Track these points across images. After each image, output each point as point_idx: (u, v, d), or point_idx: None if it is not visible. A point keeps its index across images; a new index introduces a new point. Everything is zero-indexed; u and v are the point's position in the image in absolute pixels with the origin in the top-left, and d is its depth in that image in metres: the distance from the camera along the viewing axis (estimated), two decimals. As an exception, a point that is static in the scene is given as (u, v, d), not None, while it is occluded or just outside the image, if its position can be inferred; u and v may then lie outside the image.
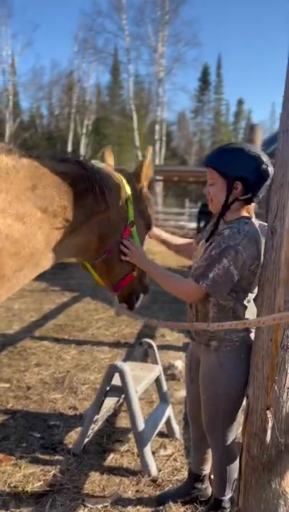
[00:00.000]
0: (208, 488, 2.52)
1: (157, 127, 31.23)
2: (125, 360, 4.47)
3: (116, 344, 5.03)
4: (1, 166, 1.52)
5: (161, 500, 2.47)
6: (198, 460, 2.47)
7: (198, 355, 2.23)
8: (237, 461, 2.18)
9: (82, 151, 36.89)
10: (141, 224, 2.14)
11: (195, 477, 2.49)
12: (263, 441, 1.81)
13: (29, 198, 1.56)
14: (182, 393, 3.88)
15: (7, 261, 1.51)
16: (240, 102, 53.86)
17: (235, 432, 2.17)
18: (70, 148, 35.08)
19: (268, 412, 1.80)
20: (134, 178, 2.11)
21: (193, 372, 2.30)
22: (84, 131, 37.50)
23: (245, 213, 2.00)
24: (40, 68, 78.52)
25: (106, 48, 37.96)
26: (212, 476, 2.53)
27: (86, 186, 1.77)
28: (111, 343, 5.02)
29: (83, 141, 37.25)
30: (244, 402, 2.01)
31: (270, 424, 1.78)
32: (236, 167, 1.87)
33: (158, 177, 19.42)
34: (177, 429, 3.19)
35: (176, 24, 38.52)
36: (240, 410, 2.11)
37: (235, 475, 2.20)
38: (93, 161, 1.95)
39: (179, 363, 4.39)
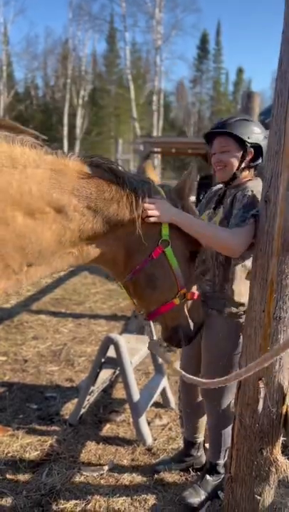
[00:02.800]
0: (202, 456, 2.56)
1: (155, 98, 30.58)
2: (122, 332, 4.49)
3: (113, 317, 5.05)
4: (21, 158, 1.50)
5: (156, 468, 2.52)
6: (191, 428, 2.51)
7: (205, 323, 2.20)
8: (230, 427, 2.23)
9: (78, 122, 36.24)
10: (180, 246, 1.82)
11: (189, 444, 2.54)
12: (255, 410, 1.82)
13: (43, 195, 1.53)
14: (178, 365, 3.91)
15: (13, 253, 1.50)
16: (240, 71, 52.60)
17: (231, 398, 2.21)
18: (66, 120, 34.43)
19: (260, 382, 1.80)
20: (175, 194, 1.86)
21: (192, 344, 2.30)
22: (80, 102, 36.75)
23: (249, 177, 2.12)
24: (34, 37, 76.46)
25: (101, 14, 37.07)
26: (206, 445, 2.58)
27: (112, 195, 1.67)
28: (108, 316, 5.04)
29: (79, 112, 36.55)
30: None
31: (262, 395, 1.79)
32: (251, 135, 2.00)
33: (156, 149, 19.13)
34: (172, 399, 3.23)
35: (173, -12, 37.34)
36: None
37: (229, 440, 2.24)
38: (132, 172, 1.81)
39: (176, 335, 4.41)
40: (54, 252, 1.61)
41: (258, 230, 1.77)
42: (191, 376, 1.84)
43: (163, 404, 3.21)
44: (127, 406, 3.15)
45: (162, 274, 1.80)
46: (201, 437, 2.53)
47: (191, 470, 2.53)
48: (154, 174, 2.02)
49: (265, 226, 1.71)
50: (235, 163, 2.03)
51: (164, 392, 3.17)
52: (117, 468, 2.53)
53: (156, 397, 3.05)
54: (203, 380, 1.87)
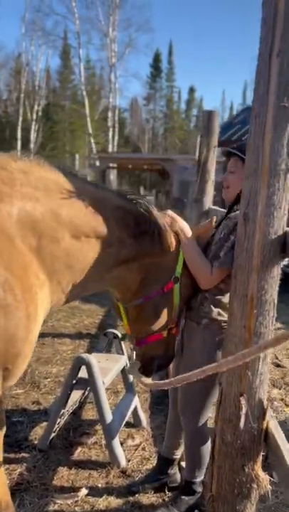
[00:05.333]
0: (176, 474, 2.53)
1: (110, 114, 30.78)
2: (89, 351, 4.40)
3: (77, 335, 4.94)
4: (66, 186, 1.67)
5: (132, 490, 2.46)
6: (171, 444, 2.48)
7: (186, 335, 2.24)
8: (208, 445, 2.23)
9: (32, 137, 35.81)
10: (188, 286, 2.07)
11: (165, 461, 2.49)
12: (237, 427, 1.82)
13: (88, 221, 1.70)
14: (146, 381, 3.87)
15: (63, 270, 1.66)
16: (191, 90, 54.18)
17: (208, 415, 2.20)
18: (19, 134, 33.93)
19: (241, 398, 1.80)
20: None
21: (179, 355, 2.29)
22: (34, 116, 36.36)
23: None
24: (-14, 50, 75.12)
25: (55, 30, 36.98)
26: (182, 463, 2.55)
27: (147, 228, 1.88)
28: (72, 335, 4.93)
29: (33, 126, 36.14)
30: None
31: (243, 411, 1.79)
32: None
33: (112, 164, 19.20)
34: (144, 418, 3.19)
35: (126, 8, 38.09)
36: (214, 395, 2.13)
37: (207, 458, 2.24)
38: (156, 210, 1.99)
39: (143, 352, 4.37)
40: (93, 274, 1.77)
41: (237, 246, 1.79)
42: (164, 381, 1.86)
43: (134, 423, 3.15)
44: (97, 427, 3.07)
45: (165, 307, 2.00)
46: (178, 455, 2.50)
47: (166, 490, 2.48)
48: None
49: (244, 243, 1.73)
50: (238, 184, 2.01)
51: (135, 411, 3.12)
52: (91, 493, 2.45)
53: (128, 417, 2.99)
54: (177, 377, 1.79)
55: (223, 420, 1.88)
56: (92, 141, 29.81)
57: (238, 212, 1.97)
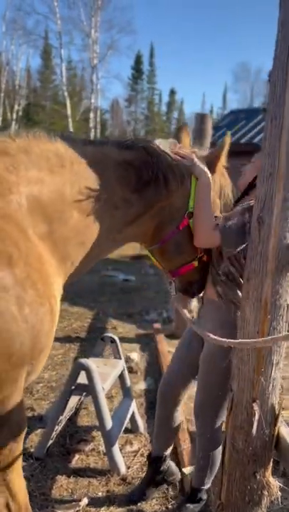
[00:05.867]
0: (171, 467, 2.49)
1: (92, 115, 30.61)
2: (80, 355, 4.33)
3: (67, 339, 4.85)
4: (66, 155, 1.57)
5: (131, 499, 2.41)
6: (162, 442, 2.42)
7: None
8: (220, 450, 2.16)
9: (12, 137, 35.23)
10: None
11: (157, 460, 2.44)
12: (249, 433, 1.79)
13: (92, 191, 1.61)
14: (141, 386, 3.84)
15: (76, 249, 1.61)
16: (172, 92, 54.39)
17: (222, 420, 2.14)
18: (-1, 135, 33.34)
19: (254, 404, 1.78)
20: (206, 165, 1.96)
21: (190, 349, 2.25)
22: (14, 116, 35.88)
23: None
24: None
25: (36, 30, 36.53)
26: (184, 470, 2.51)
27: (150, 177, 1.77)
28: (62, 338, 4.84)
29: (13, 127, 35.66)
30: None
31: (256, 417, 1.77)
32: None
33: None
34: (141, 423, 3.14)
35: (109, 9, 37.97)
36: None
37: (217, 465, 2.18)
38: (162, 141, 1.90)
39: (135, 355, 4.33)
40: (105, 242, 1.72)
41: (250, 249, 1.77)
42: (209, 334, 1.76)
43: (132, 429, 3.10)
44: (94, 434, 3.01)
45: (187, 242, 1.96)
46: (168, 451, 2.45)
47: (169, 498, 2.44)
48: (188, 138, 2.12)
49: (258, 247, 1.71)
50: (252, 175, 2.00)
51: (132, 417, 3.07)
52: (92, 502, 2.39)
53: (126, 422, 2.94)
54: (214, 337, 1.72)
55: (234, 427, 1.86)
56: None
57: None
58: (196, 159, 1.91)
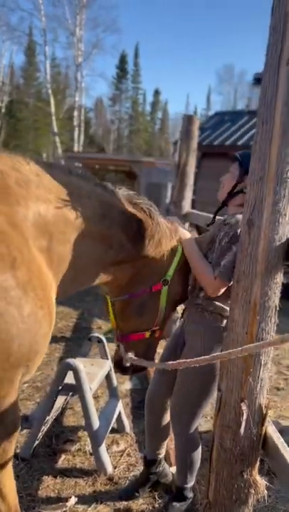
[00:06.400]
0: (165, 469, 2.51)
1: (76, 113, 30.45)
2: (66, 354, 4.31)
3: (52, 339, 4.76)
4: (75, 189, 1.69)
5: (123, 495, 2.42)
6: (155, 445, 2.45)
7: (184, 336, 2.23)
8: (200, 449, 2.25)
9: (-5, 134, 34.90)
10: (174, 291, 2.09)
11: (152, 462, 2.47)
12: (237, 433, 1.82)
13: (95, 224, 1.73)
14: (127, 386, 3.84)
15: (69, 269, 1.68)
16: (156, 93, 54.48)
17: (198, 422, 2.20)
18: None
19: (242, 404, 1.80)
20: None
21: (174, 354, 2.28)
22: (-3, 113, 35.47)
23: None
24: None
25: (20, 26, 36.20)
26: (172, 469, 2.53)
27: (147, 234, 1.91)
28: (46, 338, 4.81)
29: (-4, 123, 35.25)
30: (215, 395, 2.01)
31: (244, 417, 1.79)
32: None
33: (78, 164, 19.00)
34: (127, 423, 3.15)
35: (94, 8, 37.82)
36: (209, 400, 2.13)
37: (198, 463, 2.26)
38: (159, 216, 2.02)
39: (121, 355, 4.33)
40: (92, 273, 1.84)
41: (239, 252, 1.79)
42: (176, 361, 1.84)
43: (118, 429, 3.10)
44: (80, 434, 3.01)
45: (151, 307, 2.03)
46: (162, 453, 2.48)
47: (157, 496, 2.46)
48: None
49: (248, 249, 1.73)
50: (230, 183, 2.11)
51: (118, 417, 3.07)
52: (79, 502, 2.38)
53: (113, 422, 2.94)
54: (187, 360, 1.73)
55: (222, 427, 1.88)
56: (58, 140, 29.36)
57: (238, 218, 1.98)
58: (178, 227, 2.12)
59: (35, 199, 1.53)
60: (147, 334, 2.06)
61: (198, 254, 2.06)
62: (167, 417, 2.37)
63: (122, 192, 1.93)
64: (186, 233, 2.15)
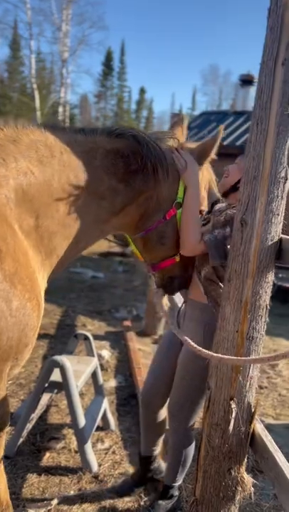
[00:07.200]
0: (160, 466, 2.51)
1: (60, 109, 30.20)
2: (49, 352, 4.28)
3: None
4: (56, 144, 1.54)
5: (121, 491, 2.43)
6: (150, 442, 2.45)
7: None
8: (192, 448, 2.24)
9: (-23, 128, 34.24)
10: None
11: (147, 459, 2.47)
12: (225, 431, 1.83)
13: (80, 182, 1.58)
14: (111, 383, 3.83)
15: (62, 243, 1.58)
16: (142, 91, 54.42)
17: (195, 419, 2.20)
18: None
19: (231, 402, 1.81)
20: (197, 154, 1.94)
21: (171, 350, 2.26)
22: (-20, 106, 34.92)
23: None
24: None
25: (5, 19, 35.70)
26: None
27: (138, 166, 1.73)
28: (30, 335, 4.76)
29: (-21, 117, 34.69)
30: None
31: (233, 415, 1.80)
32: None
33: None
34: (112, 421, 3.14)
35: (80, 3, 37.51)
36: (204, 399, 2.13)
37: (189, 461, 2.24)
38: (153, 132, 1.84)
39: (106, 353, 4.32)
40: (91, 233, 1.70)
41: (232, 250, 1.79)
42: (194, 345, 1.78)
43: (103, 426, 3.09)
44: (65, 431, 2.99)
45: (172, 233, 1.93)
46: (157, 449, 2.48)
47: (142, 494, 2.46)
48: (181, 132, 2.07)
49: (240, 248, 1.74)
50: (236, 175, 2.03)
51: (103, 414, 3.06)
52: (64, 501, 2.37)
53: (99, 420, 2.93)
54: (202, 349, 1.74)
55: (211, 425, 1.88)
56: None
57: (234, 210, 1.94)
58: (189, 166, 1.89)
59: (16, 174, 1.41)
60: (177, 258, 1.99)
61: (195, 214, 1.93)
62: (163, 413, 2.37)
63: (104, 128, 1.75)
64: (193, 182, 1.91)
